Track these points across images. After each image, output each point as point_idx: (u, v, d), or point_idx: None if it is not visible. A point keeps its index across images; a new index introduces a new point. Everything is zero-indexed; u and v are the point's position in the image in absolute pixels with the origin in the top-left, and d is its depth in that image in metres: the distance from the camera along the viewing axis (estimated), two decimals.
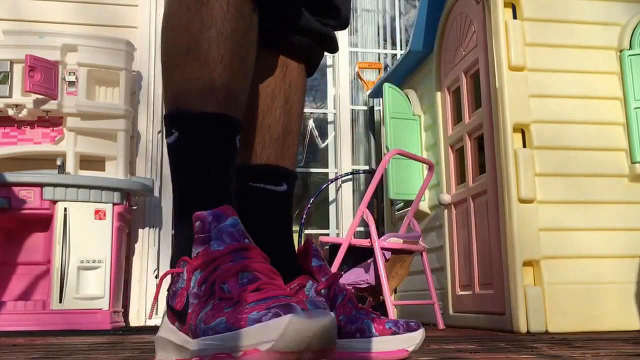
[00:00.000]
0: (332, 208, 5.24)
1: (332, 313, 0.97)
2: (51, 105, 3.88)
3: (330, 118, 5.44)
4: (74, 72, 3.96)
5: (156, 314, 4.56)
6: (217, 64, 1.25)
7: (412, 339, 1.45)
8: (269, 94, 1.53)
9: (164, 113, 1.31)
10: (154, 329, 3.77)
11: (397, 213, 4.46)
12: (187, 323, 1.10)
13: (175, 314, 1.14)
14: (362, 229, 4.87)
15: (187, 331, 1.10)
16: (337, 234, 5.08)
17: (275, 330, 0.93)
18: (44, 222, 3.80)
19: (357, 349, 1.42)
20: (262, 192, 1.49)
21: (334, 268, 3.35)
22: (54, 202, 3.71)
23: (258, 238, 1.23)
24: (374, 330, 1.43)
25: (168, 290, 1.17)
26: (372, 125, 5.29)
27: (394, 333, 1.44)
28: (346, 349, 1.41)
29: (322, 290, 1.43)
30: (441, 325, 3.41)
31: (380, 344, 1.42)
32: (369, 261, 3.26)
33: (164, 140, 4.86)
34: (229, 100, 1.27)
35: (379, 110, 5.23)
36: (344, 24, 1.59)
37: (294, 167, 1.58)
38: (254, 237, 1.20)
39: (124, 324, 4.08)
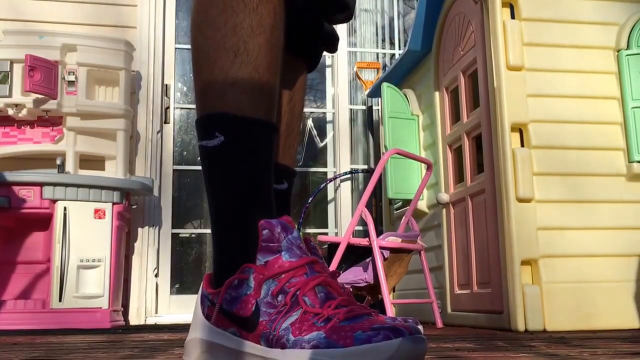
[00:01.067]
0: (330, 207, 5.25)
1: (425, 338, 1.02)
2: (51, 104, 3.89)
3: (329, 117, 5.45)
4: (73, 72, 3.97)
5: (156, 312, 4.57)
6: (265, 71, 1.24)
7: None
8: None
9: (200, 115, 1.27)
10: (153, 328, 3.79)
11: (395, 212, 4.46)
12: (258, 331, 1.10)
13: (235, 320, 1.14)
14: (360, 228, 4.88)
15: (258, 339, 1.10)
16: (336, 233, 5.09)
17: (386, 352, 0.97)
18: (43, 221, 3.81)
19: None
20: None
21: (332, 267, 3.36)
22: (54, 201, 3.72)
23: None
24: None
25: (222, 294, 1.16)
26: (370, 125, 5.30)
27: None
28: None
29: None
30: (439, 324, 3.42)
31: None
32: (367, 260, 3.27)
33: (163, 140, 4.87)
34: (273, 108, 1.28)
35: (378, 109, 5.24)
36: (350, 17, 1.58)
37: (294, 165, 1.58)
38: None
39: (123, 322, 4.09)
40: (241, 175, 1.23)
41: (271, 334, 1.09)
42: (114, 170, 4.09)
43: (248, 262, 1.15)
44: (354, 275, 3.26)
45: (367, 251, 3.24)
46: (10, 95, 3.85)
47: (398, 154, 3.39)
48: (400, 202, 4.35)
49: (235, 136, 1.23)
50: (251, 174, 1.24)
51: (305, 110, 5.31)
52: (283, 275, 1.12)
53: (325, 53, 1.63)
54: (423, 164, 3.91)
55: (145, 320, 4.52)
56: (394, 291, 4.38)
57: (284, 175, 1.51)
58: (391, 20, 5.70)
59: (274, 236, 1.15)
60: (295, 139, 1.58)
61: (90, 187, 3.79)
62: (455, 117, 3.68)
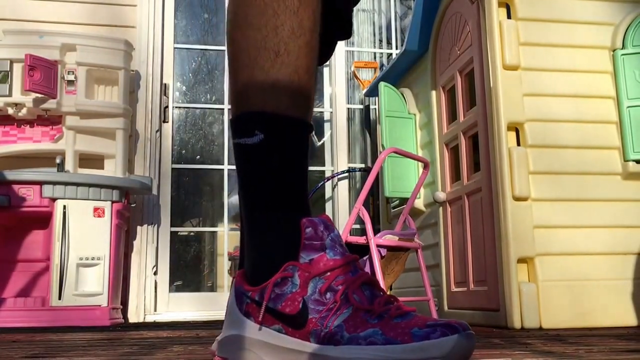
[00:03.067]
0: (328, 205, 5.27)
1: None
2: (50, 104, 3.90)
3: (326, 117, 5.46)
4: (73, 72, 3.98)
5: (155, 310, 4.59)
6: (305, 72, 1.25)
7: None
8: None
9: (237, 113, 1.28)
10: (152, 325, 3.80)
11: (392, 211, 4.47)
12: (307, 328, 1.12)
13: (281, 317, 1.15)
14: (358, 226, 4.89)
15: (307, 336, 1.12)
16: None
17: (444, 348, 1.02)
18: (43, 220, 3.82)
19: None
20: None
21: None
22: (54, 199, 3.73)
23: None
24: None
25: (268, 292, 1.16)
26: (368, 124, 5.31)
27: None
28: None
29: None
30: None
31: None
32: (364, 258, 3.28)
33: (162, 139, 4.88)
34: (310, 109, 1.29)
35: (375, 108, 5.26)
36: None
37: None
38: None
39: (122, 320, 4.10)
40: (281, 172, 1.24)
41: (322, 331, 1.10)
42: (113, 169, 4.10)
43: (291, 260, 1.16)
44: None
45: (364, 249, 3.25)
46: (10, 95, 3.86)
47: (395, 152, 3.40)
48: (398, 201, 4.36)
49: (276, 134, 1.24)
50: (290, 172, 1.25)
51: None
52: (329, 273, 1.14)
53: None
54: (420, 163, 3.92)
55: (144, 318, 4.53)
56: (391, 289, 4.40)
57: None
58: (389, 20, 5.71)
59: (317, 234, 1.16)
60: None
61: (89, 185, 3.80)
62: (452, 116, 3.70)
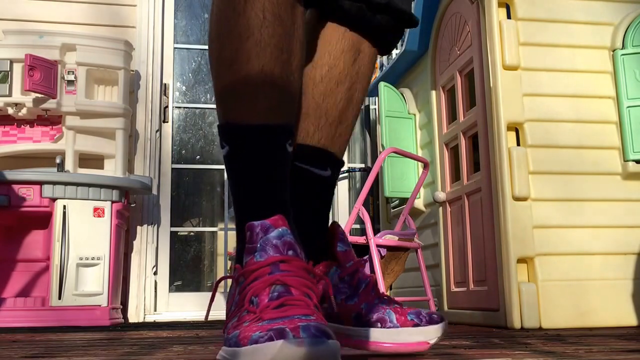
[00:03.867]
0: None
1: (331, 341, 0.99)
2: (50, 104, 3.91)
3: None
4: (73, 72, 3.98)
5: (155, 310, 4.58)
6: (258, 74, 1.24)
7: (434, 332, 1.44)
8: (334, 77, 1.48)
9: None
10: (152, 325, 3.80)
11: (392, 210, 4.48)
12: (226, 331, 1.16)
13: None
14: (357, 226, 4.89)
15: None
16: None
17: (265, 355, 0.98)
18: (43, 220, 3.82)
19: (377, 338, 1.42)
20: (306, 173, 1.47)
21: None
22: (53, 199, 3.73)
23: (294, 218, 1.28)
24: (395, 321, 1.42)
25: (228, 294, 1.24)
26: (367, 124, 5.31)
27: (416, 325, 1.42)
28: (365, 338, 1.41)
29: (345, 277, 1.44)
30: None
31: (401, 335, 1.42)
32: (364, 258, 3.28)
33: (162, 139, 4.88)
34: (274, 109, 1.27)
35: (375, 108, 5.26)
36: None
37: (342, 154, 1.55)
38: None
39: (122, 320, 4.10)
40: (240, 181, 1.27)
41: (225, 335, 1.14)
42: (113, 169, 4.10)
43: (239, 264, 1.20)
44: None
45: (364, 249, 3.26)
46: (10, 95, 3.86)
47: (395, 152, 3.41)
48: (397, 201, 4.36)
49: (234, 145, 1.27)
50: (248, 180, 1.26)
51: None
52: (250, 276, 1.15)
53: None
54: (420, 163, 3.92)
55: (144, 318, 4.53)
56: (391, 289, 4.40)
57: (329, 162, 1.50)
58: None
59: (253, 237, 1.18)
60: (348, 128, 1.54)
61: (89, 185, 3.80)
62: (452, 116, 3.70)
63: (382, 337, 1.41)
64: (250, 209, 1.25)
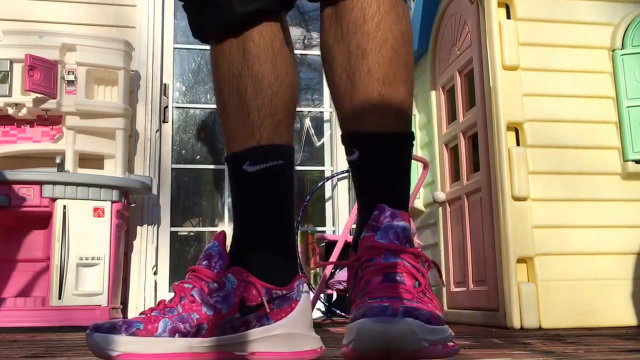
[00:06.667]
0: (328, 205, 5.27)
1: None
2: (50, 104, 3.90)
3: (326, 117, 5.46)
4: (73, 72, 3.98)
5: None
6: (225, 110, 1.52)
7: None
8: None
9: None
10: None
11: None
12: None
13: None
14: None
15: None
16: (333, 231, 5.11)
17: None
18: (43, 220, 3.82)
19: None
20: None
21: (330, 264, 3.38)
22: (53, 199, 3.73)
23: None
24: None
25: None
26: None
27: None
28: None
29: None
30: None
31: None
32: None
33: (162, 139, 4.87)
34: (279, 131, 1.48)
35: None
36: None
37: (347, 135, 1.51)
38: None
39: None
40: (239, 207, 1.52)
41: None
42: (113, 169, 4.10)
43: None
44: None
45: None
46: (10, 95, 3.86)
47: None
48: None
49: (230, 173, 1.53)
50: (246, 208, 1.50)
51: (303, 109, 5.34)
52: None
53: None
54: (419, 163, 3.93)
55: None
56: None
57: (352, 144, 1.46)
58: None
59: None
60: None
61: (89, 185, 3.80)
62: (452, 116, 3.70)
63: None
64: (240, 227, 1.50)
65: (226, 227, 4.99)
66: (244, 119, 1.47)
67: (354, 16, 1.39)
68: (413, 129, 4.15)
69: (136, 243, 4.57)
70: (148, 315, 1.36)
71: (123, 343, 1.28)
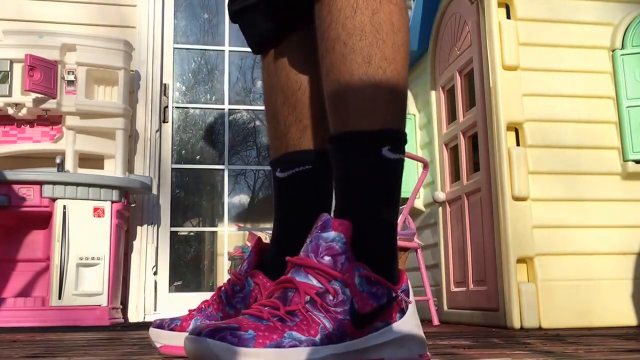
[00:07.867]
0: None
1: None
2: (50, 104, 3.90)
3: None
4: (73, 72, 3.98)
5: (155, 310, 4.59)
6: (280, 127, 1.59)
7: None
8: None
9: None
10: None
11: None
12: None
13: None
14: None
15: None
16: None
17: None
18: (43, 220, 3.82)
19: None
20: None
21: None
22: (53, 199, 3.73)
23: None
24: None
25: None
26: None
27: None
28: None
29: None
30: (436, 322, 3.44)
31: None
32: None
33: (162, 139, 4.88)
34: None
35: None
36: None
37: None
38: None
39: (122, 320, 4.10)
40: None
41: None
42: (113, 169, 4.10)
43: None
44: None
45: None
46: (10, 95, 3.86)
47: None
48: None
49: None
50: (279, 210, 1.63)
51: None
52: None
53: None
54: (420, 163, 3.93)
55: (144, 318, 4.53)
56: None
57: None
58: None
59: None
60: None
61: (89, 185, 3.80)
62: (452, 116, 3.70)
63: None
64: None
65: (226, 227, 4.99)
66: (275, 128, 1.60)
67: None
68: (412, 129, 4.18)
69: (136, 243, 4.57)
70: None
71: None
